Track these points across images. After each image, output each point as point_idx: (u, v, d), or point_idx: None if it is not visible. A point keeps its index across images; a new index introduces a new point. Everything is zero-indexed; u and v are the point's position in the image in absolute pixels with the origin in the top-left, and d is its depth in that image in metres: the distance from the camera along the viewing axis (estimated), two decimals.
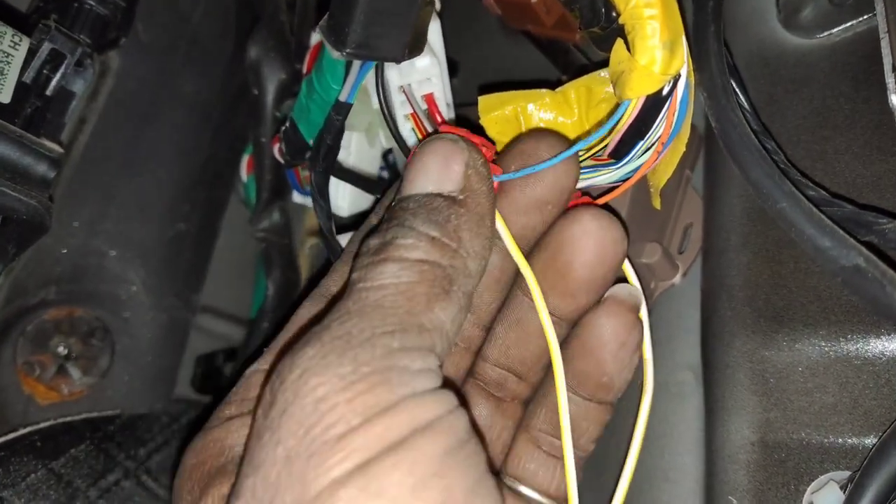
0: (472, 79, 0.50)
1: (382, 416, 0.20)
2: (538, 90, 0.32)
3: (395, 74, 0.30)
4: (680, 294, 0.37)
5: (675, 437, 0.35)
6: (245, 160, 0.48)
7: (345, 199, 0.39)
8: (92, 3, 0.36)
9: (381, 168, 0.42)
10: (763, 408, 0.30)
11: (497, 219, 0.26)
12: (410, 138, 0.32)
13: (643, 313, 0.29)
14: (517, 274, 0.29)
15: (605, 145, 0.27)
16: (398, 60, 0.27)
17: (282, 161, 0.37)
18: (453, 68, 0.41)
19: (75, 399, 0.43)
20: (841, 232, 0.23)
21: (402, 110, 0.31)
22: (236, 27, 0.49)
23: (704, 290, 0.34)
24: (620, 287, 0.29)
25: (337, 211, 0.39)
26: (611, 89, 0.29)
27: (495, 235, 0.26)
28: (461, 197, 0.25)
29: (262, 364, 0.27)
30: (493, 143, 0.29)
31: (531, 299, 0.27)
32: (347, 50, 0.26)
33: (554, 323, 0.28)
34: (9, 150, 0.31)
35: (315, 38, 0.37)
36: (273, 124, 0.42)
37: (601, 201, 0.29)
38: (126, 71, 0.44)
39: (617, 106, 0.29)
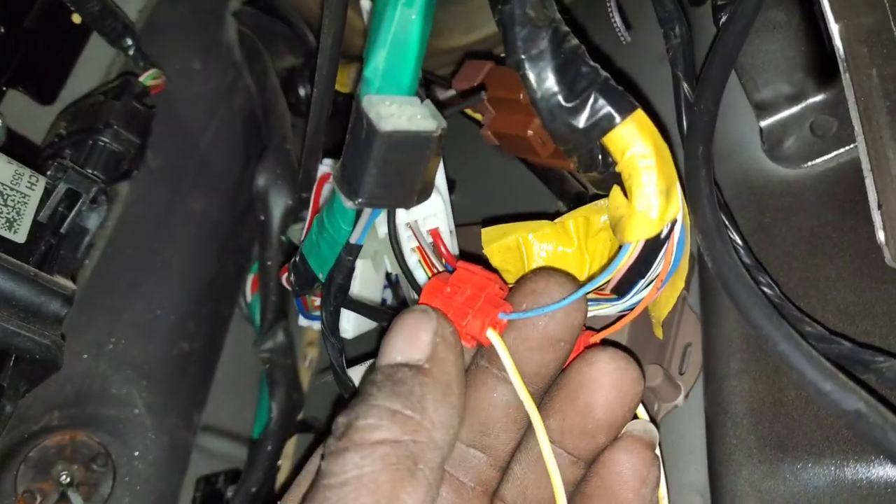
0: (468, 195, 0.52)
1: None
2: (539, 221, 0.34)
3: (403, 212, 0.32)
4: (683, 415, 0.37)
5: None
6: (250, 279, 0.49)
7: (349, 321, 0.39)
8: (107, 139, 0.37)
9: (385, 286, 0.42)
10: None
11: (507, 357, 0.27)
12: (417, 269, 0.33)
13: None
14: None
15: (608, 281, 0.28)
16: (408, 207, 0.28)
17: (290, 289, 0.38)
18: (451, 186, 0.42)
19: None
20: (841, 376, 0.23)
21: (408, 244, 0.32)
22: (243, 150, 0.51)
23: (709, 415, 0.34)
24: (636, 423, 0.29)
25: (342, 333, 0.39)
26: (608, 219, 0.31)
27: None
28: (426, 366, 0.26)
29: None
30: (499, 275, 0.30)
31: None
32: (360, 200, 0.27)
33: (572, 462, 0.28)
34: (23, 289, 0.31)
35: (323, 168, 0.39)
36: (279, 247, 0.43)
37: (604, 334, 0.29)
38: (135, 197, 0.45)
39: (618, 244, 0.30)
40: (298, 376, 0.45)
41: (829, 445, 0.30)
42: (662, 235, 0.26)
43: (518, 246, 0.34)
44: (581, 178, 0.40)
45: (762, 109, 0.36)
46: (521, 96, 0.36)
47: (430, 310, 0.27)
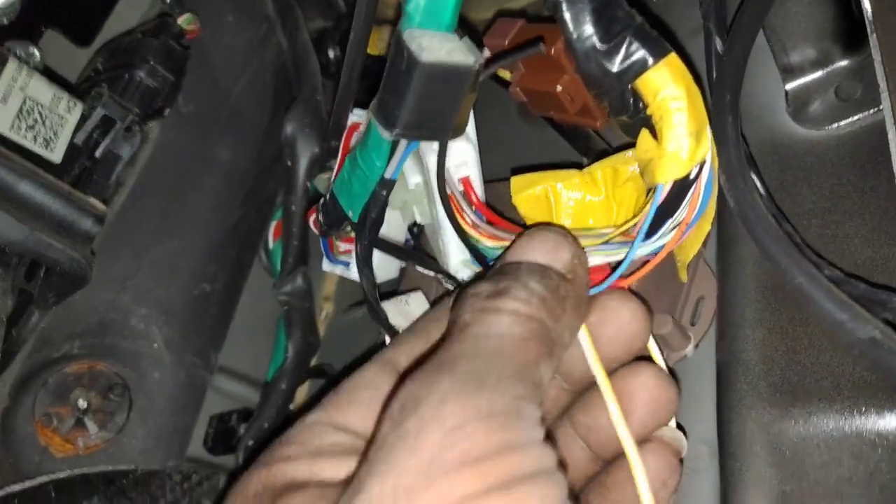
0: (491, 158, 0.52)
1: (514, 452, 0.22)
2: (567, 171, 0.34)
3: (434, 159, 0.32)
4: (692, 366, 0.38)
5: None
6: (273, 226, 0.50)
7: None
8: (143, 75, 0.38)
9: (407, 240, 0.43)
10: (779, 480, 0.31)
11: (588, 344, 0.28)
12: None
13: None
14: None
15: (636, 224, 0.29)
16: (443, 141, 0.29)
17: (317, 231, 0.39)
18: None
19: (90, 453, 0.43)
20: (856, 306, 0.24)
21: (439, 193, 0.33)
22: (272, 103, 0.51)
23: (720, 363, 0.35)
24: (667, 429, 0.30)
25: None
26: (635, 168, 0.31)
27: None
28: (569, 276, 0.27)
29: (323, 417, 0.28)
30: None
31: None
32: (397, 130, 0.28)
33: (591, 458, 0.30)
34: (58, 205, 0.32)
35: (353, 118, 0.39)
36: (304, 194, 0.44)
37: (632, 280, 0.30)
38: (165, 140, 0.46)
39: (645, 194, 0.31)
40: (315, 320, 0.46)
41: (840, 392, 0.30)
42: (692, 176, 0.27)
43: (546, 195, 0.35)
44: (606, 137, 0.41)
45: (788, 73, 0.37)
46: (552, 51, 0.37)
47: (569, 232, 0.28)
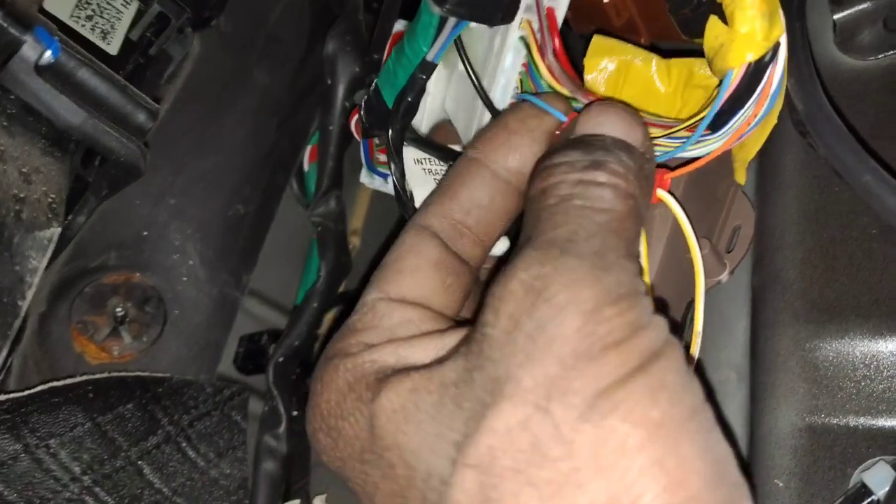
0: None
1: (644, 331, 0.22)
2: (650, 53, 0.33)
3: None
4: (725, 293, 0.38)
5: None
6: (308, 150, 0.50)
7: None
8: None
9: None
10: (812, 394, 0.32)
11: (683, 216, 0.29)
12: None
13: (699, 309, 0.30)
14: None
15: (703, 116, 0.28)
16: (491, 24, 0.29)
17: (357, 136, 0.39)
18: None
19: (124, 362, 0.44)
20: None
21: (522, 13, 0.31)
22: (310, 30, 0.52)
23: (756, 286, 0.36)
24: None
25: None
26: (707, 72, 0.31)
27: None
28: (647, 156, 0.26)
29: (380, 293, 0.27)
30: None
31: None
32: (447, 6, 0.28)
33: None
34: (114, 95, 0.33)
35: (397, 26, 0.40)
36: (342, 114, 0.44)
37: (678, 173, 0.30)
38: (205, 58, 0.47)
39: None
40: (347, 242, 0.47)
41: (878, 308, 0.31)
42: (766, 59, 0.26)
43: (619, 67, 0.34)
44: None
45: (836, 3, 0.37)
46: None
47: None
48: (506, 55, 0.31)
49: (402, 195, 0.33)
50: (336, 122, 0.45)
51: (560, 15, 0.32)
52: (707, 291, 0.38)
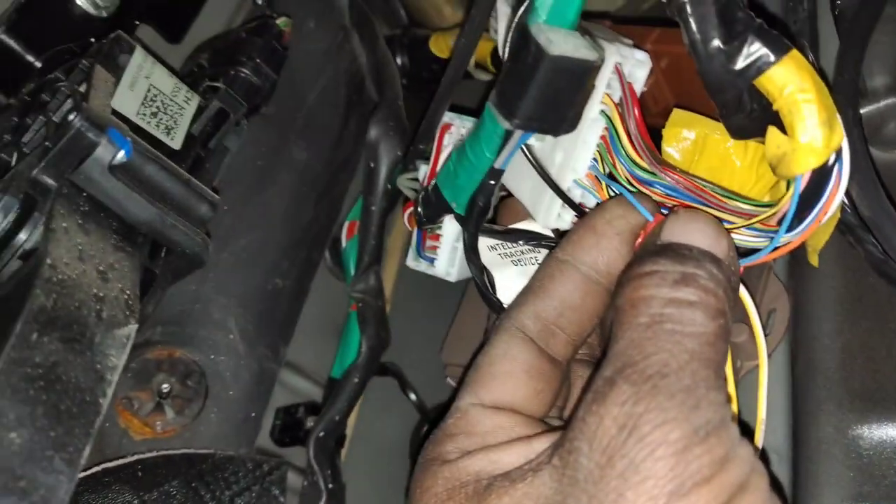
0: None
1: (730, 464, 0.23)
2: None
3: (615, 53, 0.32)
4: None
5: None
6: (346, 226, 0.52)
7: (454, 266, 0.42)
8: (248, 71, 0.40)
9: None
10: (857, 482, 0.32)
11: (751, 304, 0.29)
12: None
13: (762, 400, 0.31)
14: None
15: (775, 213, 0.29)
16: (556, 135, 0.31)
17: (409, 227, 0.41)
18: None
19: (167, 437, 0.44)
20: None
21: (602, 88, 0.32)
22: (345, 109, 0.54)
23: (796, 372, 0.37)
24: None
25: (446, 277, 0.42)
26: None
27: None
28: (733, 268, 0.27)
29: (474, 399, 0.28)
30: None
31: None
32: (516, 121, 0.29)
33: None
34: (179, 189, 0.34)
35: (445, 119, 0.41)
36: (384, 196, 0.46)
37: (760, 260, 0.30)
38: (248, 139, 0.48)
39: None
40: (386, 317, 0.48)
41: None
42: (830, 163, 0.27)
43: (697, 140, 0.35)
44: None
45: (863, 97, 0.39)
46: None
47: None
48: (584, 127, 0.32)
49: (486, 292, 0.35)
50: (378, 203, 0.46)
51: (638, 89, 0.33)
52: (744, 376, 0.40)
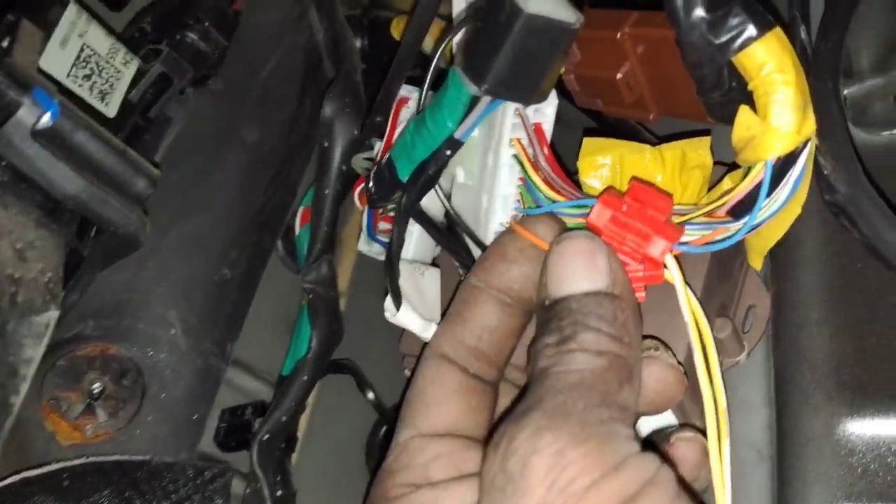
0: None
1: (617, 471, 0.23)
2: (640, 144, 0.34)
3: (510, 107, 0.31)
4: (743, 373, 0.37)
5: None
6: (300, 212, 0.48)
7: (410, 244, 0.39)
8: (195, 36, 0.37)
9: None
10: (847, 479, 0.30)
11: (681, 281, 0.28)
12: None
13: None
14: None
15: (724, 203, 0.28)
16: (526, 104, 0.28)
17: (360, 205, 0.38)
18: None
19: (98, 442, 0.40)
20: None
21: (509, 132, 0.32)
22: (300, 87, 0.50)
23: (779, 366, 0.35)
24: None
25: (404, 254, 0.39)
26: (700, 151, 0.32)
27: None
28: (616, 292, 0.27)
29: (412, 431, 0.29)
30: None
31: None
32: (486, 86, 0.27)
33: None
34: (112, 161, 0.30)
35: (402, 92, 0.38)
36: (338, 178, 0.43)
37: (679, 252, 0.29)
38: (195, 114, 0.44)
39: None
40: (339, 309, 0.44)
41: None
42: (797, 152, 0.26)
43: (613, 164, 0.35)
44: (655, 131, 0.41)
45: (848, 77, 0.37)
46: (618, 35, 0.36)
47: (592, 233, 0.28)
48: (500, 173, 0.32)
49: (392, 261, 0.33)
50: (332, 186, 0.43)
51: (548, 129, 0.32)
52: (725, 372, 0.38)
